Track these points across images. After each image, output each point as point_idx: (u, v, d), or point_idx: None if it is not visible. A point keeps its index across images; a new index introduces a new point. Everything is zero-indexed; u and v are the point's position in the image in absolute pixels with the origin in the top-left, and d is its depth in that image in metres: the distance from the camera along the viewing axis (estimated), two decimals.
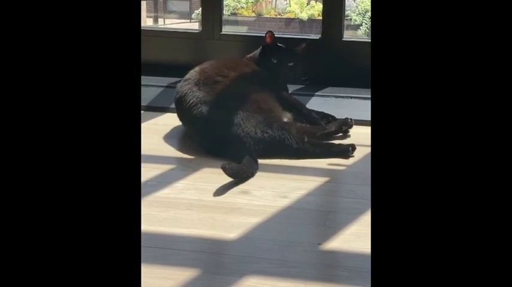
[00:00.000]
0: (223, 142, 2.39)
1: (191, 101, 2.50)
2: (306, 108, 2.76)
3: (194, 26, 6.88)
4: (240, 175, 2.22)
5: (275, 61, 2.78)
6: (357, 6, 6.93)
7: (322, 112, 2.74)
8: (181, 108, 2.56)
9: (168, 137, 2.66)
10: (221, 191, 2.17)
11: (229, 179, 2.22)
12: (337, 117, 2.73)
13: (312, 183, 2.23)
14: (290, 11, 7.33)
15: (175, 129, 2.71)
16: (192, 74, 2.61)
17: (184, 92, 2.54)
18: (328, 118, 2.71)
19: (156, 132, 2.68)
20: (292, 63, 2.80)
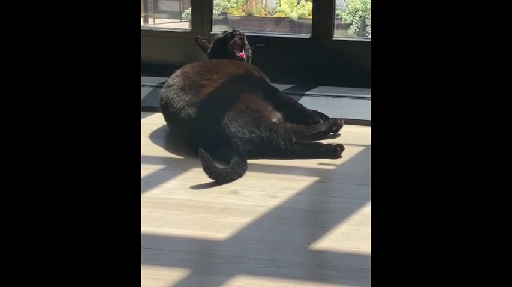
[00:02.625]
0: (211, 143, 2.39)
1: (178, 105, 2.50)
2: (299, 103, 2.77)
3: (184, 25, 6.87)
4: (221, 177, 2.22)
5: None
6: (347, 6, 6.93)
7: (314, 111, 2.74)
8: (169, 113, 2.56)
9: (158, 137, 2.65)
10: (211, 191, 2.16)
11: None
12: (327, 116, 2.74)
13: (302, 183, 2.23)
14: (280, 10, 7.32)
15: (165, 130, 2.70)
16: (176, 80, 2.60)
17: (170, 97, 2.54)
18: (321, 117, 2.70)
19: (146, 132, 2.67)
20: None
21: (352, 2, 6.90)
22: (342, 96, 3.03)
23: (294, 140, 2.44)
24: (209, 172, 2.20)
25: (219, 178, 2.21)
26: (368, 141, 2.46)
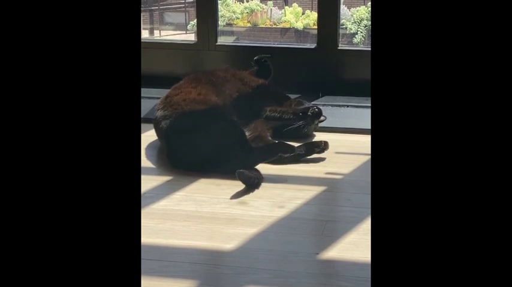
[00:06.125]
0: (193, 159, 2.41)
1: (154, 124, 2.57)
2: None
3: (190, 37, 6.89)
4: (250, 182, 2.24)
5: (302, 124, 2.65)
6: (352, 15, 6.95)
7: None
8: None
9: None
10: (218, 202, 2.16)
11: (225, 190, 2.22)
12: (333, 126, 2.74)
13: (309, 192, 2.23)
14: (285, 21, 7.35)
15: None
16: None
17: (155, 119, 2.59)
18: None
19: (153, 144, 2.68)
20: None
21: (357, 11, 6.92)
22: (347, 106, 3.03)
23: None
24: (250, 183, 2.23)
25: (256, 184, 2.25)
26: None
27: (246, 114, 2.57)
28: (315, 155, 2.50)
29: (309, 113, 2.62)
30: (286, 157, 2.42)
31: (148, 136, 2.71)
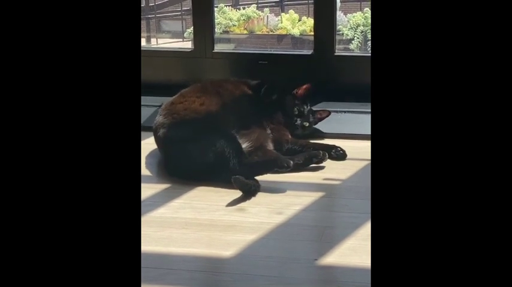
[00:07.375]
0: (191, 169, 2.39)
1: (154, 128, 2.55)
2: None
3: (187, 45, 6.90)
4: (246, 189, 2.23)
5: (299, 121, 2.74)
6: (348, 21, 6.95)
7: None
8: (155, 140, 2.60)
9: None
10: (216, 209, 2.16)
11: (223, 197, 2.23)
12: (330, 132, 2.74)
13: (307, 198, 2.23)
14: (282, 28, 7.35)
15: None
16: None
17: (154, 124, 2.58)
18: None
19: (151, 152, 2.67)
20: (307, 124, 2.76)
21: (354, 17, 6.93)
22: (345, 112, 3.04)
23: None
24: (246, 190, 2.23)
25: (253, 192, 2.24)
26: None
27: (249, 125, 2.56)
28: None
29: (332, 154, 2.56)
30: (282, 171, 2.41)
31: (149, 144, 2.71)
